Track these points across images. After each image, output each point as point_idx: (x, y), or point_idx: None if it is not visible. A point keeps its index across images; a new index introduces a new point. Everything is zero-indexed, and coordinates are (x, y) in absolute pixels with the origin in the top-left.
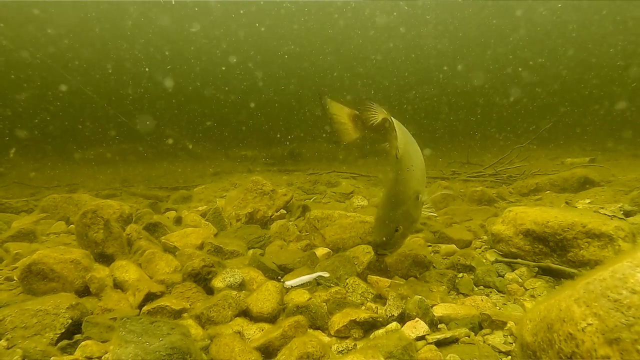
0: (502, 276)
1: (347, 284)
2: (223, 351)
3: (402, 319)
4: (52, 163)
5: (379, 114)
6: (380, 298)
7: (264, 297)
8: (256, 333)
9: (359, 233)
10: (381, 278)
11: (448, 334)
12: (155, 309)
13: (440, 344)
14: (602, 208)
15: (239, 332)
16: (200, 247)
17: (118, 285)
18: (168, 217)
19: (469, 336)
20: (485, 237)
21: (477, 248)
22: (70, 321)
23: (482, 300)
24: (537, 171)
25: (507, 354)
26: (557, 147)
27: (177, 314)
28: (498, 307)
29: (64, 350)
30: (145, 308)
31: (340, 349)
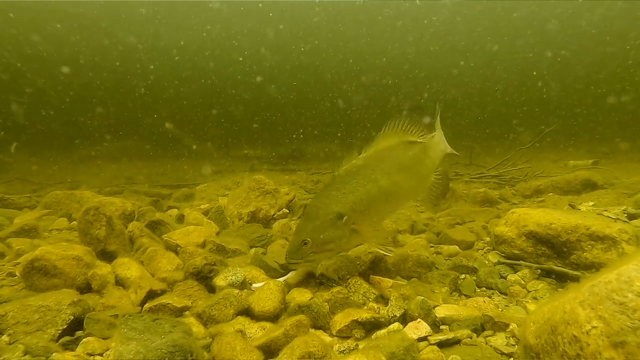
0: (505, 278)
1: (349, 284)
2: (224, 350)
3: (404, 319)
4: (54, 160)
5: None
6: (382, 298)
7: (265, 296)
8: (257, 332)
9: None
10: (383, 278)
11: (450, 335)
12: (157, 307)
13: (442, 345)
14: (606, 211)
15: (241, 331)
16: (203, 245)
17: (120, 283)
18: (170, 215)
19: (471, 337)
20: (487, 239)
21: (479, 249)
22: (72, 317)
23: (484, 301)
24: (540, 173)
25: (509, 355)
26: (559, 149)
27: (179, 312)
28: (500, 309)
29: (66, 347)
30: (147, 305)
31: (342, 349)
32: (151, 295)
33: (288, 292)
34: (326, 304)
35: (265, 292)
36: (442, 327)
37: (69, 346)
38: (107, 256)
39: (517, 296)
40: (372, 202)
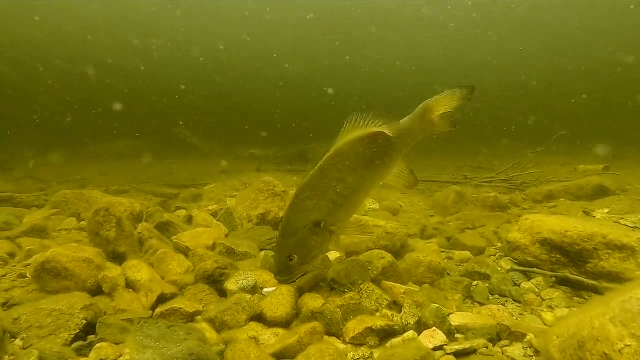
0: (518, 285)
1: (362, 289)
2: (239, 357)
3: (419, 327)
4: (61, 158)
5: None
6: (395, 305)
7: (278, 301)
8: (271, 338)
9: (372, 237)
10: (395, 284)
11: (467, 345)
12: (169, 311)
13: (458, 354)
14: (622, 219)
15: (254, 338)
16: (212, 247)
17: (130, 285)
18: (179, 216)
19: (487, 347)
20: (499, 245)
21: (491, 255)
22: (84, 322)
23: (498, 309)
24: (552, 178)
25: None
26: (567, 154)
27: (191, 317)
28: (515, 317)
29: (79, 352)
30: (158, 310)
31: (356, 357)
32: (162, 299)
33: (300, 297)
34: (339, 310)
35: (278, 297)
36: (457, 335)
37: (82, 351)
38: (117, 258)
39: (532, 304)
40: (344, 201)
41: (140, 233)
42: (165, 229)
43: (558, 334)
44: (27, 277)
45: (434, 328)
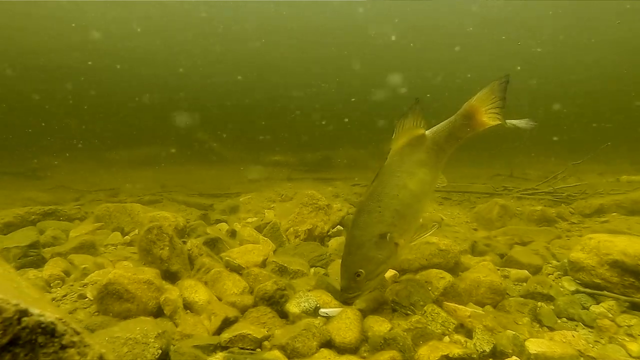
0: (587, 309)
1: (425, 311)
2: None
3: (495, 355)
4: (89, 166)
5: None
6: (461, 328)
7: (345, 325)
8: None
9: (424, 254)
10: (459, 306)
11: None
12: (237, 337)
13: None
14: None
15: None
16: (263, 265)
17: (187, 307)
18: (220, 229)
19: None
20: (555, 262)
21: (549, 274)
22: (160, 351)
23: (572, 336)
24: (601, 191)
25: None
26: (601, 162)
27: (259, 343)
28: (591, 345)
29: None
30: (225, 335)
31: None
32: (226, 323)
33: (363, 319)
34: (406, 334)
35: (344, 321)
36: None
37: None
38: (170, 277)
39: (608, 331)
40: (408, 209)
41: (189, 250)
42: (213, 245)
43: None
44: (86, 297)
45: (514, 357)
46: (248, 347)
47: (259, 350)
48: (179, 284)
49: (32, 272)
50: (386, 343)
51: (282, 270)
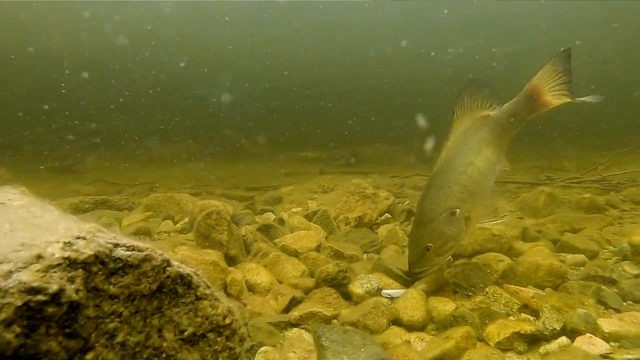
0: None
1: (488, 293)
2: None
3: (566, 333)
4: (126, 161)
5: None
6: (525, 308)
7: (411, 305)
8: (417, 343)
9: (477, 240)
10: (521, 288)
11: (636, 355)
12: (307, 315)
13: None
14: None
15: (408, 342)
16: (317, 250)
17: (250, 288)
18: (267, 219)
19: None
20: (611, 248)
21: (607, 259)
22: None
23: None
24: None
25: None
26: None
27: (328, 321)
28: None
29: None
30: (295, 313)
31: None
32: (293, 302)
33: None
34: (472, 313)
35: (410, 300)
36: (611, 344)
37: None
38: (229, 261)
39: None
40: (476, 186)
41: (244, 236)
42: (267, 231)
43: None
44: None
45: (588, 334)
46: (318, 324)
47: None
48: (240, 267)
49: None
50: (455, 320)
51: (337, 255)
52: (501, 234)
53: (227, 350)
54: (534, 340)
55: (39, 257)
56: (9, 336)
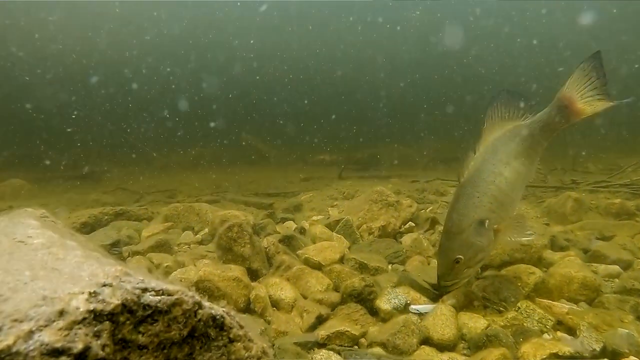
0: None
1: (520, 308)
2: None
3: (606, 354)
4: (141, 168)
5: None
6: (560, 325)
7: (441, 322)
8: None
9: (505, 250)
10: (554, 302)
11: None
12: (335, 334)
13: None
14: None
15: None
16: (340, 261)
17: (274, 304)
18: (288, 228)
19: None
20: None
21: None
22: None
23: None
24: None
25: None
26: None
27: (356, 340)
28: None
29: None
30: (322, 332)
31: None
32: (319, 320)
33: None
34: (506, 331)
35: (440, 317)
36: None
37: None
38: (251, 274)
39: None
40: (505, 197)
41: (266, 248)
42: (289, 242)
43: None
44: None
45: (632, 357)
46: (346, 345)
47: (356, 347)
48: (263, 282)
49: None
50: (489, 340)
51: (362, 267)
52: (530, 243)
53: None
54: None
55: (62, 312)
56: None
